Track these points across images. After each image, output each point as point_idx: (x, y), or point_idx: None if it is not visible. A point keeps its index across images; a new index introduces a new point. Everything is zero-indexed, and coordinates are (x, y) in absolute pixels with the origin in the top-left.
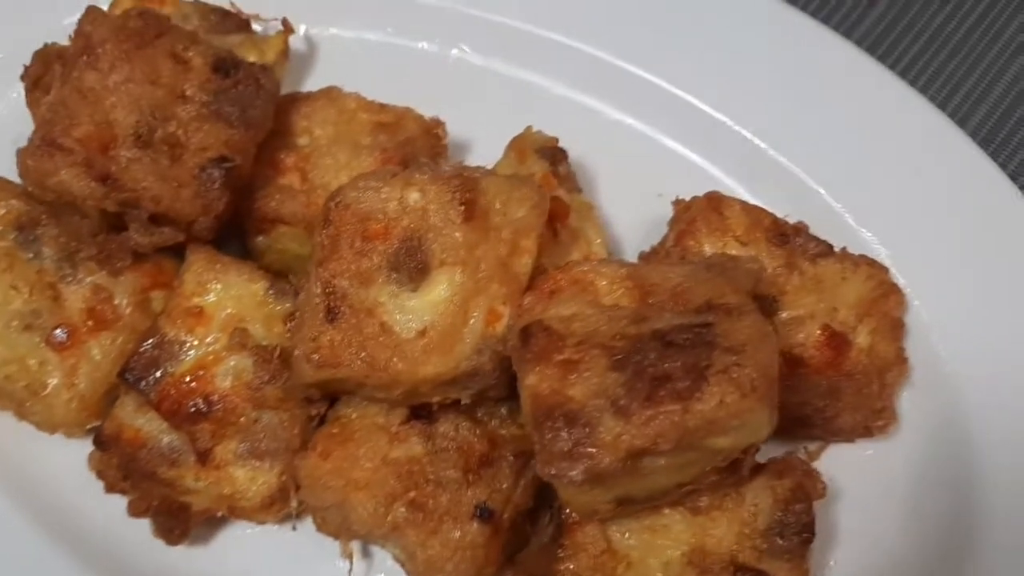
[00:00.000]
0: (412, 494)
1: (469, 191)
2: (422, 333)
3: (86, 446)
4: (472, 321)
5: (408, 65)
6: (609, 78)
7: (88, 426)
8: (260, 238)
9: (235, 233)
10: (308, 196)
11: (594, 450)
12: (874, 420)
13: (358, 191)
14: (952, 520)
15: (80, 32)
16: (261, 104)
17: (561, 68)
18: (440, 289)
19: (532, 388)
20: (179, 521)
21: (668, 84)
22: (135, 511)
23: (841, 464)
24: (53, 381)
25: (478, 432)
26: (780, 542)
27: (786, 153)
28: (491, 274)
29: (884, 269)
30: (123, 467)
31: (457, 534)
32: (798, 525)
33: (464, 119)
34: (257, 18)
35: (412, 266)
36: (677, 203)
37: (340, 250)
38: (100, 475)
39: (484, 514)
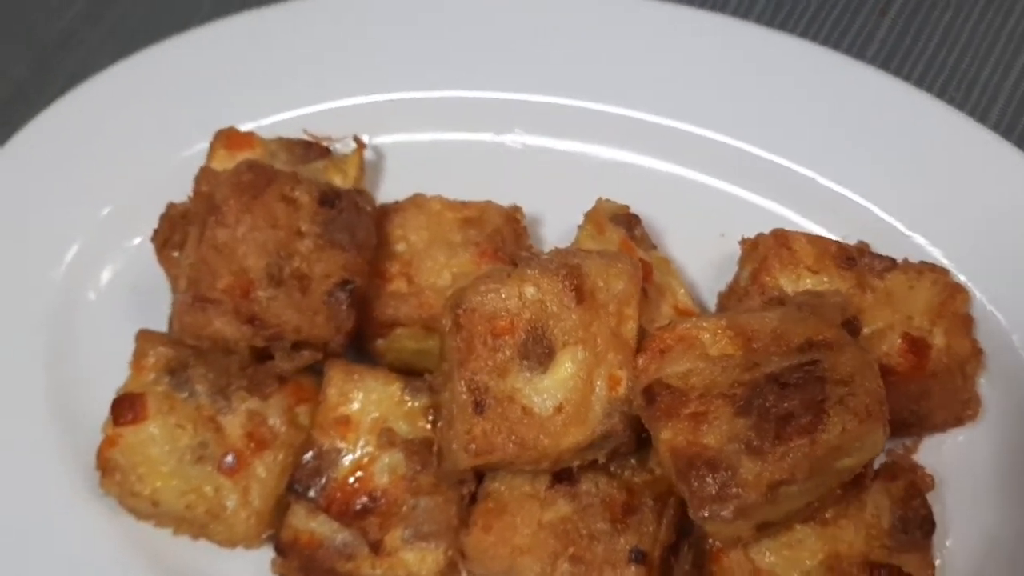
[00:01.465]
0: (571, 550)
1: (576, 277)
2: (559, 409)
3: (259, 554)
4: (598, 390)
5: (468, 156)
6: (653, 135)
7: (264, 536)
8: (380, 341)
9: (356, 339)
10: (418, 298)
11: (739, 490)
12: (963, 411)
13: (480, 295)
14: None
15: (199, 192)
16: (365, 225)
17: (606, 134)
18: (566, 367)
19: (668, 443)
20: None
21: (704, 130)
22: None
23: (938, 454)
24: (231, 503)
25: (616, 485)
26: (905, 537)
27: (832, 178)
28: (606, 345)
29: (944, 271)
30: (304, 568)
31: None
32: (918, 519)
33: (531, 199)
34: (330, 140)
35: (540, 352)
36: (744, 242)
37: (475, 350)
38: None
39: (638, 557)
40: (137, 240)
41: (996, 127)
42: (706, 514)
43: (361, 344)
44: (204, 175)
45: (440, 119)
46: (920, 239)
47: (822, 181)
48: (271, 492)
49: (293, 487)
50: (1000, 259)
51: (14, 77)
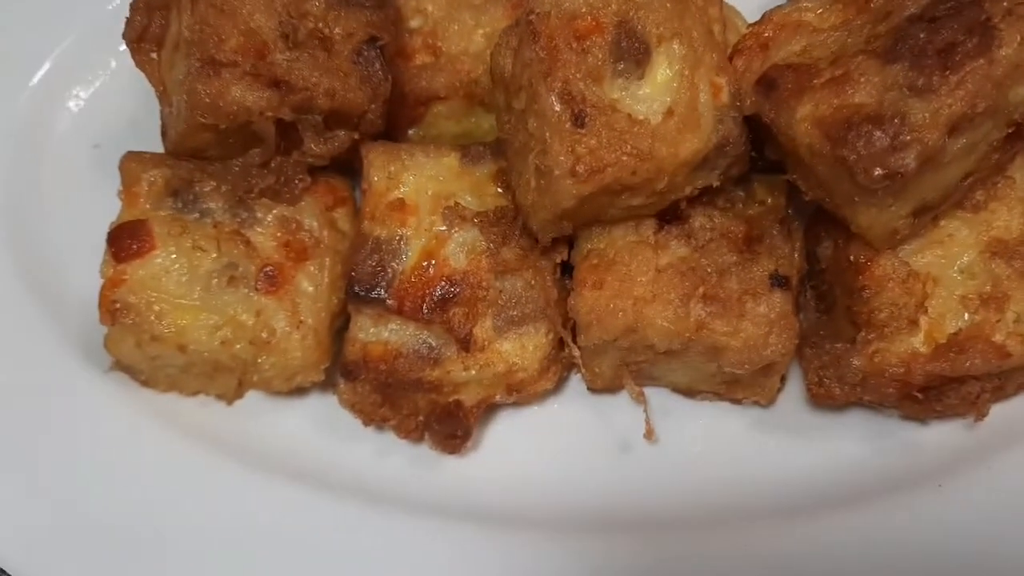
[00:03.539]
0: (701, 289)
1: None
2: (669, 114)
3: (306, 407)
4: (702, 95)
5: None
6: None
7: (323, 365)
8: (412, 131)
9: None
10: (453, 65)
11: (917, 133)
12: None
13: None
14: None
15: None
16: None
17: None
18: (664, 68)
19: (810, 116)
20: (458, 422)
21: None
22: (406, 431)
23: None
24: (280, 325)
25: (731, 216)
26: None
27: None
28: (703, 43)
29: None
30: (380, 389)
31: (763, 308)
32: None
33: None
34: None
35: (635, 50)
36: None
37: (561, 56)
38: (355, 408)
39: (780, 281)
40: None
41: None
42: (883, 170)
43: (391, 137)
44: None
45: None
46: None
47: None
48: (324, 306)
49: (354, 291)
50: None
51: None
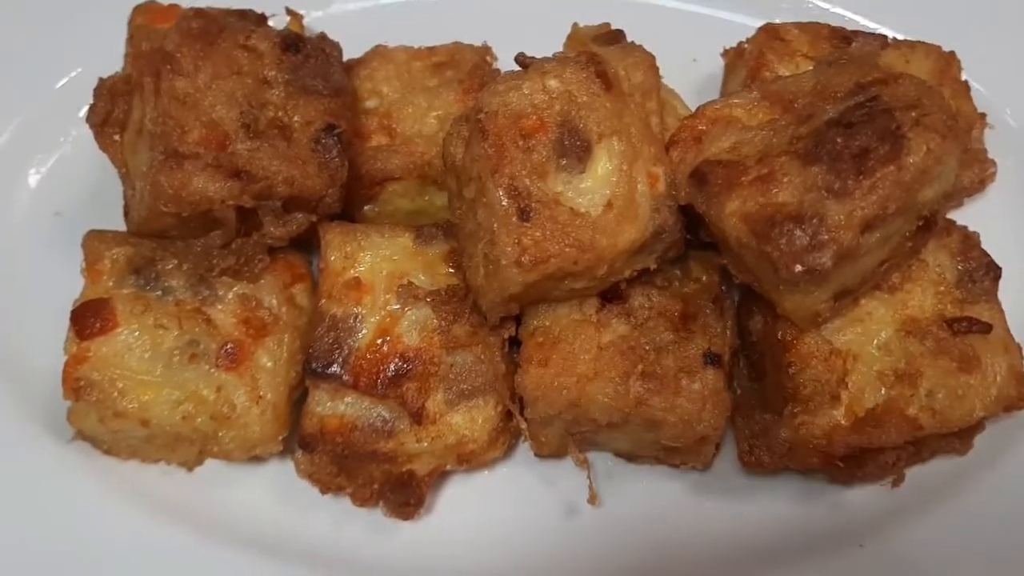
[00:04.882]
0: (640, 367)
1: (599, 64)
2: (609, 206)
3: (273, 468)
4: (639, 186)
5: (411, 17)
6: None
7: (281, 436)
8: (368, 207)
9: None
10: (407, 147)
11: (833, 233)
12: (984, 171)
13: (501, 95)
14: None
15: (139, 53)
16: (336, 70)
17: None
18: (604, 163)
19: (738, 212)
20: (411, 491)
21: None
22: (362, 499)
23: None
24: (240, 400)
25: (668, 295)
26: (973, 287)
27: None
28: (640, 137)
29: (933, 44)
30: (336, 460)
31: (697, 385)
32: (982, 267)
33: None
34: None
35: (577, 147)
36: (726, 53)
37: (507, 153)
38: (312, 478)
39: (713, 359)
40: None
41: None
42: (802, 267)
43: (347, 215)
44: (139, 34)
45: None
46: (887, 30)
47: None
48: (283, 381)
49: (311, 367)
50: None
51: None
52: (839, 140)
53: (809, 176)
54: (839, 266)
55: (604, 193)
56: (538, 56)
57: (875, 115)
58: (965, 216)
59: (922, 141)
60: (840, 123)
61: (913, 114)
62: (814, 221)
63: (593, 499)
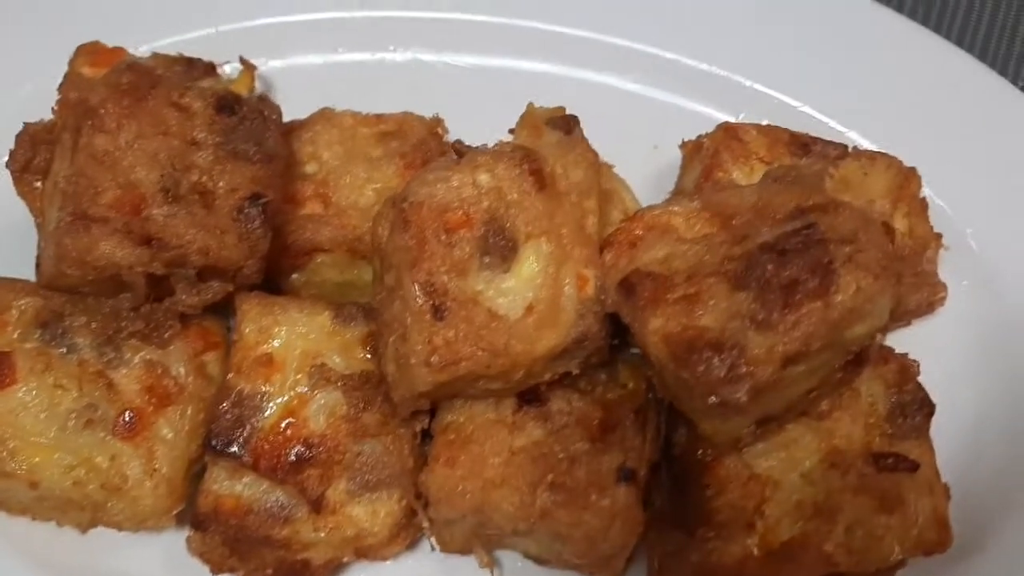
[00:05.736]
0: (550, 477)
1: (534, 161)
2: (529, 310)
3: (166, 539)
4: (566, 288)
5: (371, 78)
6: (575, 45)
7: (174, 511)
8: (295, 275)
9: (266, 276)
10: (340, 218)
11: (752, 367)
12: (933, 295)
13: (428, 186)
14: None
15: (67, 102)
16: (272, 135)
17: (522, 47)
18: (530, 264)
19: (660, 331)
20: None
21: (622, 39)
22: None
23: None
24: (133, 472)
25: (589, 401)
26: (905, 422)
27: (764, 82)
28: (572, 239)
29: (894, 157)
30: (228, 542)
31: (607, 502)
32: (916, 402)
33: (449, 118)
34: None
35: (502, 246)
36: (685, 145)
37: (428, 247)
38: (203, 557)
39: (627, 475)
40: None
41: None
42: (717, 399)
43: (272, 281)
44: (71, 81)
45: (333, 39)
46: (854, 134)
47: (751, 84)
48: (181, 455)
49: (211, 443)
50: (933, 147)
51: None
52: (770, 267)
53: (735, 302)
54: (757, 399)
55: (527, 295)
56: (485, 139)
57: (809, 245)
58: (912, 335)
59: (852, 279)
60: (774, 248)
61: (847, 249)
62: (734, 352)
63: None
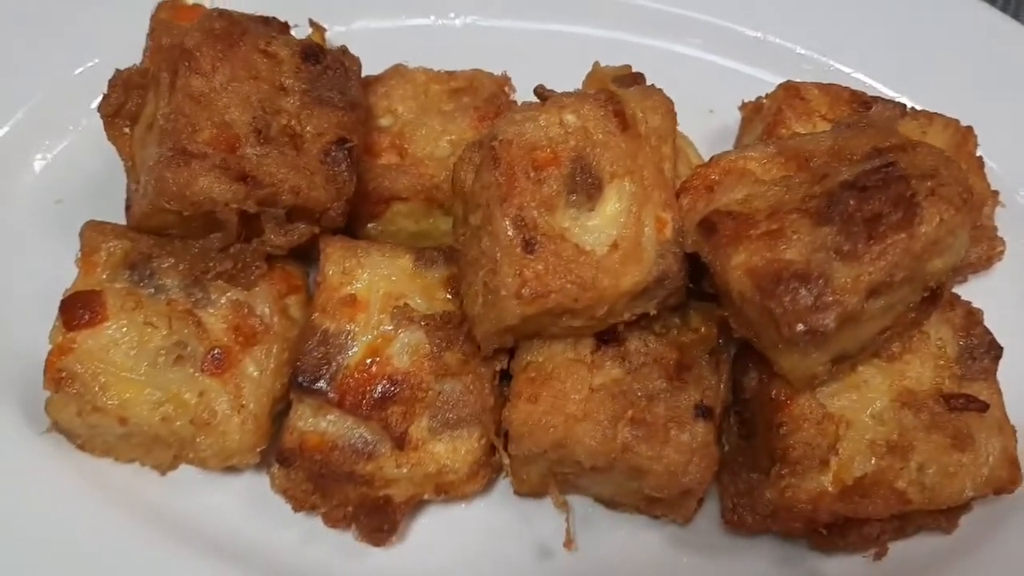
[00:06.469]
0: (630, 412)
1: (617, 103)
2: (614, 247)
3: (248, 480)
4: (647, 229)
5: (433, 43)
6: (624, 11)
7: (259, 448)
8: (371, 225)
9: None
10: (416, 168)
11: (838, 296)
12: (992, 249)
13: (517, 125)
14: None
15: (160, 47)
16: (354, 84)
17: (578, 13)
18: (614, 203)
19: (743, 265)
20: (386, 517)
21: (677, 7)
22: (334, 521)
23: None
24: (221, 407)
25: (665, 343)
26: (973, 364)
27: (818, 49)
28: (653, 181)
29: (952, 118)
30: (313, 478)
31: (686, 437)
32: (984, 345)
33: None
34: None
35: (588, 184)
36: (744, 106)
37: (518, 183)
38: (286, 494)
39: (704, 412)
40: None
41: None
42: (804, 328)
43: (350, 231)
44: (161, 29)
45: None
46: (907, 101)
47: (803, 51)
48: (267, 392)
49: (298, 381)
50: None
51: None
52: (852, 203)
53: (819, 236)
54: (841, 329)
55: (611, 233)
56: (557, 91)
57: (891, 181)
58: (969, 292)
59: (935, 211)
60: (855, 186)
61: (929, 183)
62: (820, 282)
63: (569, 543)
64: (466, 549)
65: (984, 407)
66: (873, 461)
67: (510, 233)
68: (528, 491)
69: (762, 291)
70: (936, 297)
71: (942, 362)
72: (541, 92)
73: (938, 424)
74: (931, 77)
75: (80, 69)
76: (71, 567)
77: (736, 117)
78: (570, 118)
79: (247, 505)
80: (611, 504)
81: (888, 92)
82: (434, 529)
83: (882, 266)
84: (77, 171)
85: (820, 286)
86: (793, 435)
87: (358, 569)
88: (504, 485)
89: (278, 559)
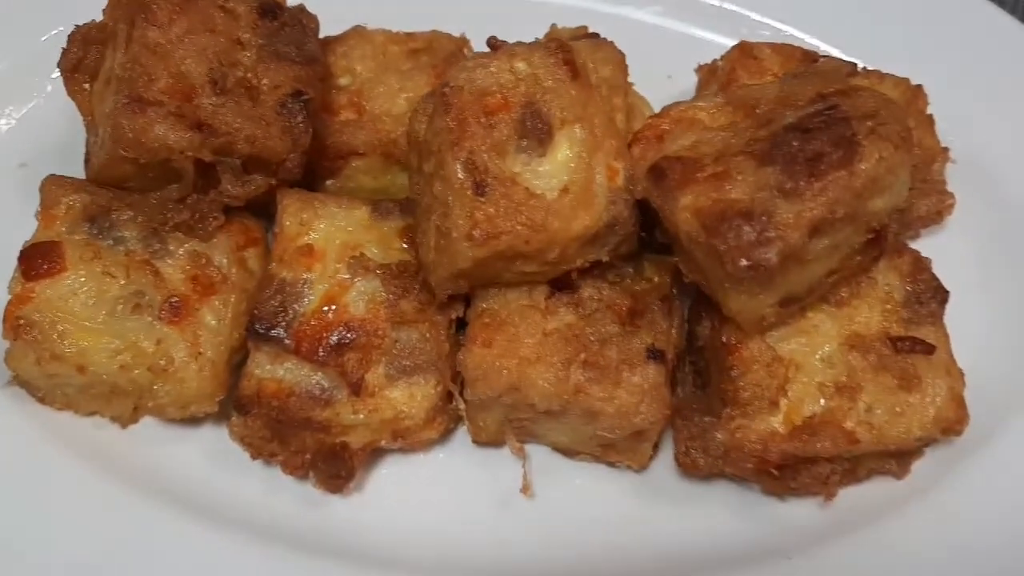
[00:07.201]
0: (583, 355)
1: (567, 52)
2: (565, 191)
3: (207, 431)
4: (598, 177)
5: (398, 4)
6: None
7: (218, 397)
8: (330, 182)
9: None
10: (374, 124)
11: (781, 231)
12: (942, 202)
13: (468, 71)
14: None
15: (117, 2)
16: (311, 40)
17: None
18: (565, 149)
19: (691, 207)
20: (343, 463)
21: None
22: (292, 468)
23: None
24: (179, 354)
25: (618, 291)
26: (920, 308)
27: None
28: (604, 130)
29: (903, 77)
30: (271, 425)
31: (637, 378)
32: (931, 290)
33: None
34: None
35: (538, 130)
36: (700, 68)
37: (469, 128)
38: (244, 442)
39: (655, 355)
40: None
41: None
42: (747, 262)
43: (309, 188)
44: None
45: None
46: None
47: (759, 17)
48: (225, 341)
49: (254, 328)
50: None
51: None
52: (795, 144)
53: (762, 176)
54: (785, 266)
55: (562, 178)
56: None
57: (832, 122)
58: (921, 246)
59: (875, 149)
60: (798, 128)
61: (869, 123)
62: (763, 218)
63: (526, 489)
64: (425, 498)
65: (931, 349)
66: (822, 402)
67: (461, 176)
68: (486, 439)
69: (708, 230)
70: (879, 240)
71: (889, 307)
72: (494, 43)
73: (886, 366)
74: (884, 42)
75: (45, 36)
76: (35, 522)
77: (694, 82)
78: (520, 65)
79: (208, 457)
80: (568, 452)
81: (840, 55)
82: (395, 479)
83: (823, 202)
84: (41, 135)
85: (763, 222)
86: (743, 377)
87: (320, 519)
88: (463, 435)
89: (241, 510)
